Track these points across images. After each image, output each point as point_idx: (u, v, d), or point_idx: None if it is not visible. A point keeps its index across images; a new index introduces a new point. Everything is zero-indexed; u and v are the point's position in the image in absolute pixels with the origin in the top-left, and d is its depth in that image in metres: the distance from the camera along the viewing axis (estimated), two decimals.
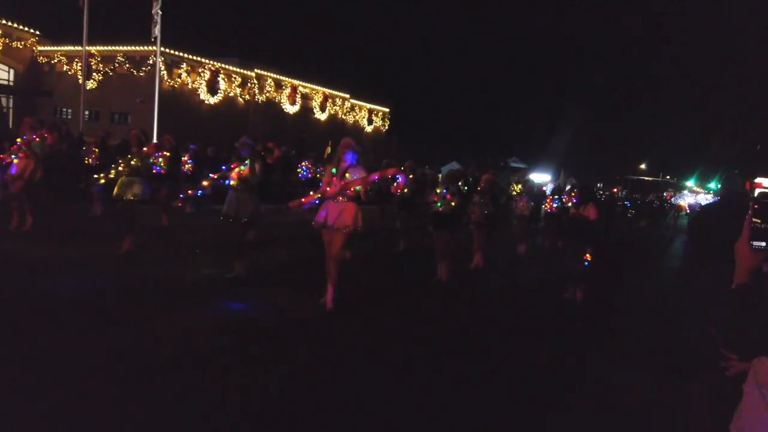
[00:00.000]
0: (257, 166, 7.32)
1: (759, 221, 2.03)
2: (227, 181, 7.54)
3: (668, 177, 60.25)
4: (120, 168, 8.32)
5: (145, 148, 8.37)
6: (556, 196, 13.06)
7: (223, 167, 8.24)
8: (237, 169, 7.29)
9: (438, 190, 8.50)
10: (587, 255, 7.81)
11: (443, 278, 8.38)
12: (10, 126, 24.79)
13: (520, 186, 12.41)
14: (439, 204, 8.33)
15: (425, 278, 8.50)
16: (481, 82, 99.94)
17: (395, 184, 9.07)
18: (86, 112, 25.53)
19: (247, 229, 7.69)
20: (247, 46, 67.36)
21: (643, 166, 59.88)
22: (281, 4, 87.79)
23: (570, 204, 10.09)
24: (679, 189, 52.03)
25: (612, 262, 12.31)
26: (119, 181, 8.33)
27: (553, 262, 9.98)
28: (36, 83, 32.24)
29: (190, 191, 8.96)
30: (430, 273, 8.56)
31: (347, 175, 6.20)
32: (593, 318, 7.43)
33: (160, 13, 20.85)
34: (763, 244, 2.01)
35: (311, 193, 6.16)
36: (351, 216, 6.22)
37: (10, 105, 31.07)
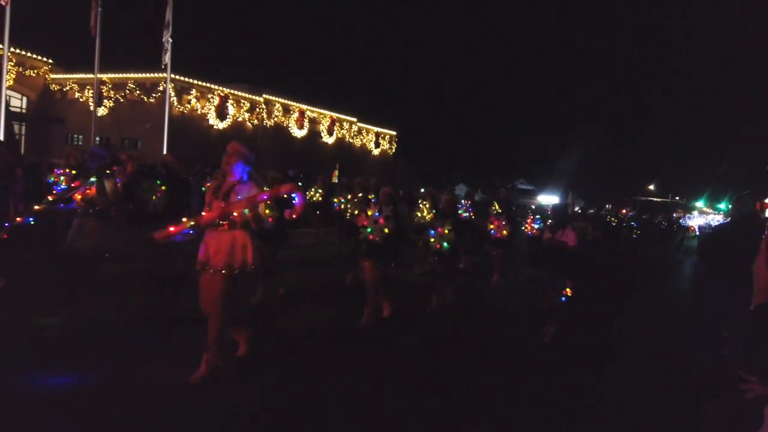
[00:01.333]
0: (109, 185, 5.76)
1: None
2: (70, 205, 5.88)
3: (677, 198, 59.99)
4: None
5: None
6: (538, 216, 11.65)
7: (57, 188, 6.29)
8: (87, 189, 5.74)
9: (369, 213, 7.06)
10: (567, 290, 6.87)
11: (385, 314, 7.05)
12: (22, 152, 25.09)
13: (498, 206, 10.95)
14: (369, 230, 6.91)
15: (362, 323, 6.85)
16: (490, 104, 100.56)
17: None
18: (97, 138, 25.82)
19: (96, 265, 5.92)
20: (256, 72, 68.23)
21: (651, 187, 59.72)
22: (289, 31, 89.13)
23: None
24: (688, 210, 51.73)
25: (617, 284, 12.20)
26: None
27: (533, 294, 8.47)
28: (48, 110, 32.73)
29: (18, 218, 6.66)
30: (376, 316, 7.02)
31: (235, 194, 4.69)
32: (601, 341, 7.32)
33: (170, 40, 21.19)
34: None
35: (184, 219, 4.61)
36: (237, 251, 4.62)
37: (23, 132, 31.51)
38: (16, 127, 29.01)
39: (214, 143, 32.61)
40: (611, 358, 6.57)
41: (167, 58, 21.47)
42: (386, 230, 6.84)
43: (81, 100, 32.25)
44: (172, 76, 24.09)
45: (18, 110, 31.65)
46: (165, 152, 21.95)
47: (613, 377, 5.87)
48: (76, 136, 32.69)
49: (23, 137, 31.08)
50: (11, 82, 27.08)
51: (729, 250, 5.35)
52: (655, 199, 54.83)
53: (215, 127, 33.59)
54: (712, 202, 52.89)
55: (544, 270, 7.33)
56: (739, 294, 4.55)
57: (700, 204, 54.30)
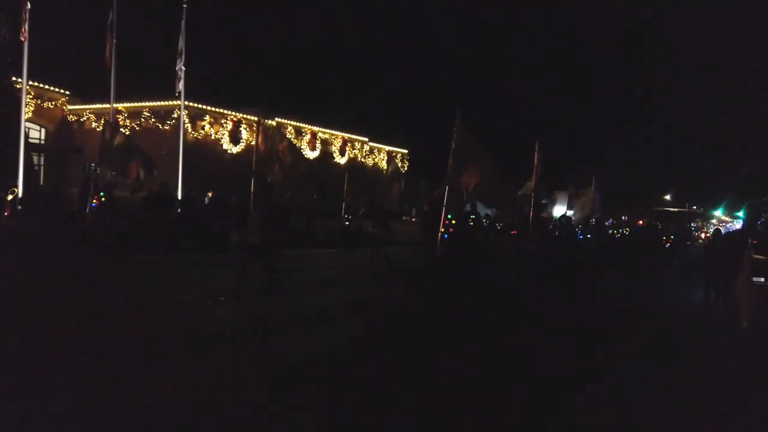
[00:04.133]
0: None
1: (762, 257, 2.05)
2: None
3: (695, 207, 59.35)
4: None
5: None
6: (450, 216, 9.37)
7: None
8: None
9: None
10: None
11: None
12: (41, 183, 25.57)
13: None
14: None
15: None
16: (498, 112, 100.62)
17: None
18: None
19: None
20: (268, 97, 69.10)
21: (668, 197, 59.21)
22: (298, 56, 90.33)
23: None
24: (706, 219, 51.13)
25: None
26: None
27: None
28: (66, 140, 33.44)
29: None
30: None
31: None
32: (601, 347, 7.26)
33: (183, 68, 21.63)
34: (762, 279, 2.01)
35: None
36: None
37: (42, 162, 32.20)
38: (35, 158, 29.65)
39: (228, 167, 33.04)
40: (613, 360, 6.52)
41: (180, 85, 21.89)
42: None
43: (98, 129, 32.90)
44: (186, 103, 24.53)
45: (36, 141, 32.35)
46: (180, 178, 22.28)
47: (614, 377, 5.83)
48: (93, 165, 33.33)
49: (42, 167, 31.72)
50: (30, 115, 27.73)
51: (729, 255, 5.34)
52: (671, 209, 54.31)
53: (229, 151, 34.05)
54: (731, 211, 52.25)
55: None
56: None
57: (718, 213, 53.67)
